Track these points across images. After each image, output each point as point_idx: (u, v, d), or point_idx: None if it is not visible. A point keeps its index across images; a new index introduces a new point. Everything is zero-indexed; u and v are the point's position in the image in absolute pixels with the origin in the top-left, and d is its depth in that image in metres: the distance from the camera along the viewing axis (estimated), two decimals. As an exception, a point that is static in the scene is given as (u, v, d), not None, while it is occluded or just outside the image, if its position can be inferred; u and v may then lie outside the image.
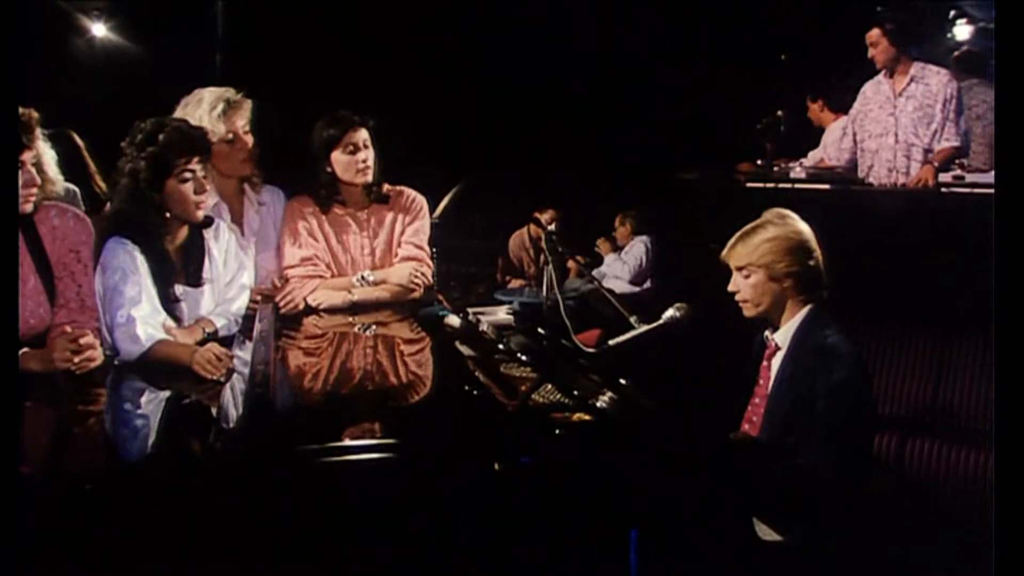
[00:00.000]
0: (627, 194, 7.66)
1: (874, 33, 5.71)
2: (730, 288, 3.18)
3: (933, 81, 5.65)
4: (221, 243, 3.51)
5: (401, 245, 4.01)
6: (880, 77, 5.85)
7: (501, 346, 3.21)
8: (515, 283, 7.66)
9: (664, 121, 7.13)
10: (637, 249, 7.59)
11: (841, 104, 6.38)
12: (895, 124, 5.72)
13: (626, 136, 7.34)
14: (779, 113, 5.99)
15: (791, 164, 6.02)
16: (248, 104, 3.76)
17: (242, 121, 3.73)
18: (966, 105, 5.94)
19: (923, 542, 3.89)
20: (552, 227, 4.14)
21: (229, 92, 3.73)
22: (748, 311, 3.18)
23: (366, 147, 3.90)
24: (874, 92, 5.86)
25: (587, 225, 7.99)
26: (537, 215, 7.79)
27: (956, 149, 5.58)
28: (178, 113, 3.62)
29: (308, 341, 3.56)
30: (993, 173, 3.65)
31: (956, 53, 6.68)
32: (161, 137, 3.22)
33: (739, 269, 3.16)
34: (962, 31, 7.23)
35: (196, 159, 3.27)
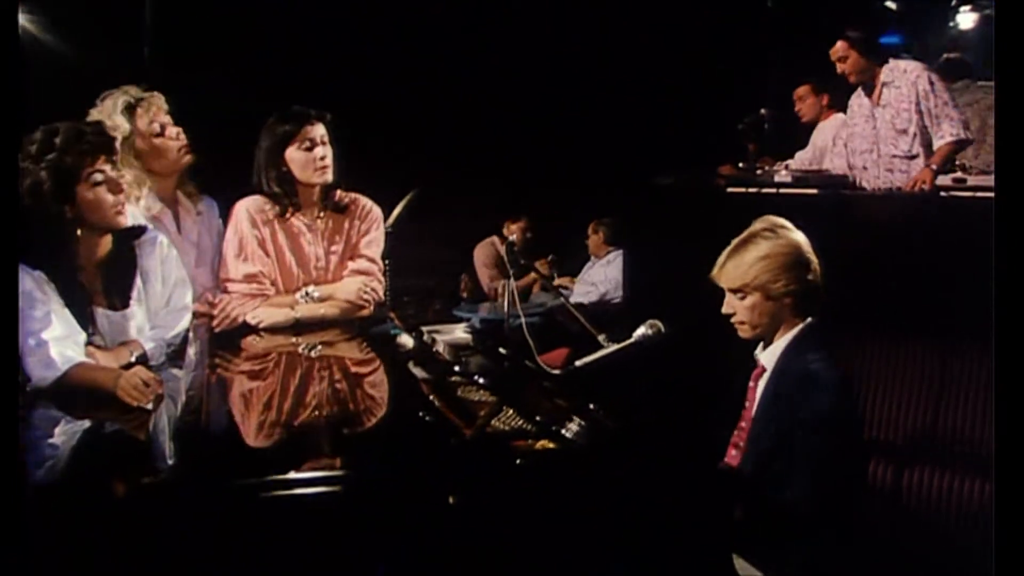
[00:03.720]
0: (600, 201, 7.68)
1: (839, 47, 5.73)
2: (724, 310, 3.19)
3: (902, 81, 5.67)
4: (156, 257, 3.42)
5: (354, 257, 4.03)
6: (861, 89, 5.90)
7: (458, 368, 3.22)
8: (485, 305, 7.69)
9: (639, 122, 7.21)
10: (617, 263, 7.60)
11: (841, 101, 6.43)
12: (876, 138, 5.78)
13: (598, 138, 7.38)
14: (763, 111, 6.02)
15: (776, 167, 6.07)
16: (159, 98, 3.75)
17: (161, 114, 3.73)
18: (973, 100, 6.00)
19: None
20: (515, 237, 4.14)
21: (131, 88, 3.72)
22: (745, 333, 3.19)
23: (324, 143, 3.91)
24: (858, 105, 5.93)
25: (556, 235, 8.06)
26: (504, 224, 7.87)
27: (955, 144, 5.56)
28: (92, 117, 3.59)
29: (247, 363, 3.55)
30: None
31: (941, 59, 6.78)
32: (57, 141, 3.12)
33: (732, 291, 3.16)
34: (965, 19, 7.32)
35: (102, 159, 3.18)
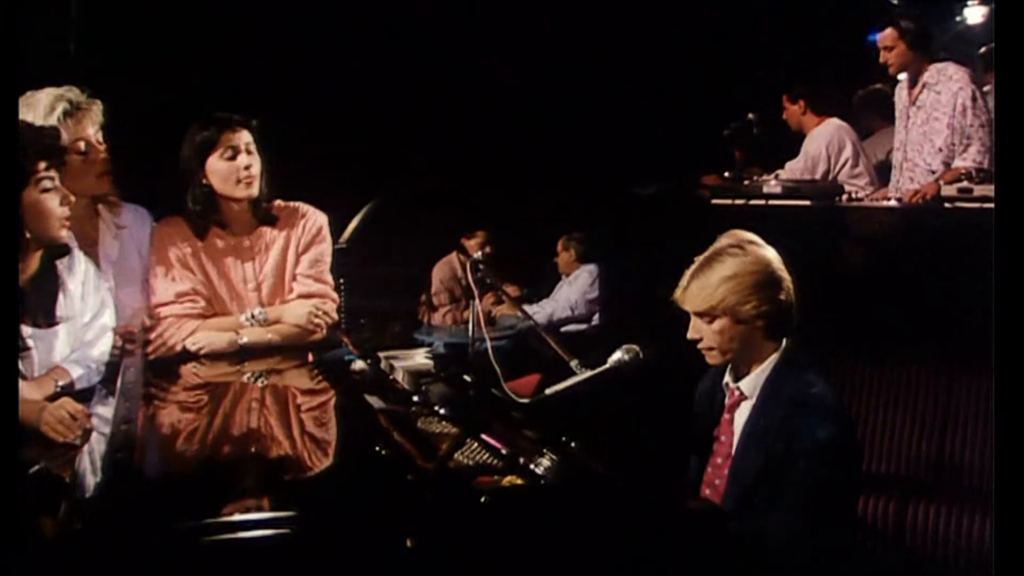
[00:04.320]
0: (571, 214, 7.70)
1: (888, 35, 5.80)
2: (690, 335, 3.20)
3: (945, 89, 5.73)
4: (77, 275, 3.41)
5: (297, 277, 3.99)
6: (903, 82, 5.96)
7: (418, 397, 3.22)
8: (448, 328, 7.69)
9: (614, 126, 7.19)
10: (583, 279, 7.63)
11: (826, 105, 6.50)
12: (905, 139, 5.86)
13: (569, 144, 7.37)
14: (751, 116, 6.06)
15: (765, 176, 6.10)
16: (98, 107, 3.67)
17: (92, 128, 3.65)
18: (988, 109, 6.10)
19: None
20: (480, 254, 4.14)
21: (72, 92, 3.63)
22: (714, 359, 3.20)
23: (249, 152, 3.86)
24: (897, 99, 5.99)
25: (523, 251, 8.05)
26: (464, 240, 7.87)
27: (976, 171, 5.59)
28: (22, 114, 3.48)
29: (185, 394, 3.54)
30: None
31: (983, 49, 6.80)
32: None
33: (698, 314, 3.16)
34: (973, 14, 7.37)
35: (51, 164, 3.17)
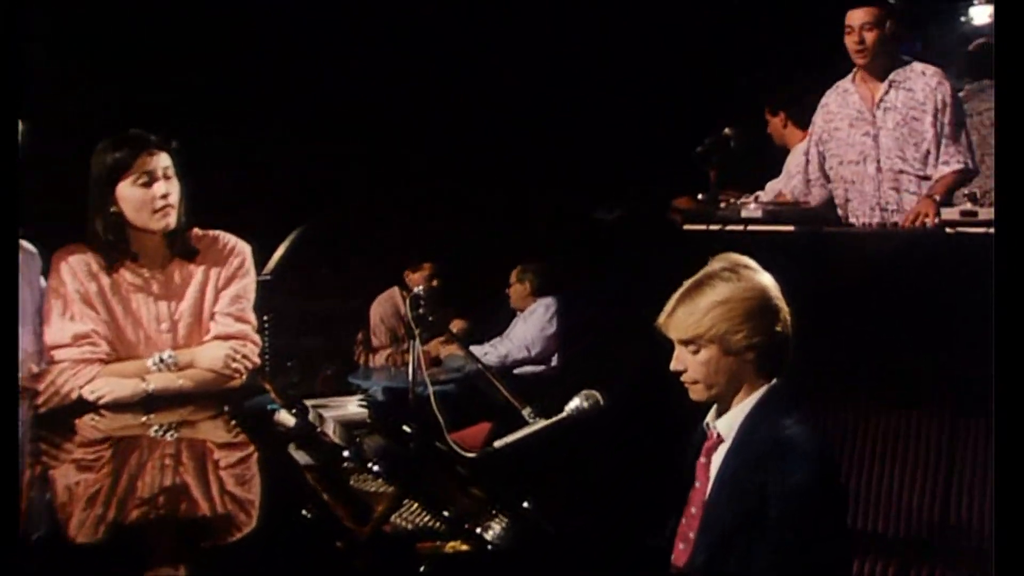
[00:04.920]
0: (527, 242, 7.73)
1: (863, 15, 5.78)
2: (673, 366, 3.21)
3: (918, 85, 5.77)
4: None
5: (215, 316, 3.98)
6: (846, 83, 5.98)
7: (350, 451, 3.19)
8: (386, 371, 7.67)
9: (575, 145, 7.23)
10: (539, 314, 7.63)
11: (811, 117, 6.47)
12: (875, 147, 5.85)
13: (525, 165, 7.40)
14: (727, 131, 6.06)
15: (744, 199, 6.08)
16: None
17: None
18: (973, 112, 6.09)
19: None
20: (421, 288, 4.13)
21: None
22: (698, 395, 3.22)
23: (167, 178, 3.85)
24: (841, 104, 6.00)
25: (471, 284, 8.04)
26: (408, 273, 7.86)
27: (960, 173, 5.67)
28: None
29: (83, 451, 3.49)
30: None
31: (971, 45, 6.86)
32: None
33: (684, 343, 3.18)
34: (981, 13, 7.44)
35: None
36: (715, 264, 3.23)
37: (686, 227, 5.86)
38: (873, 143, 5.85)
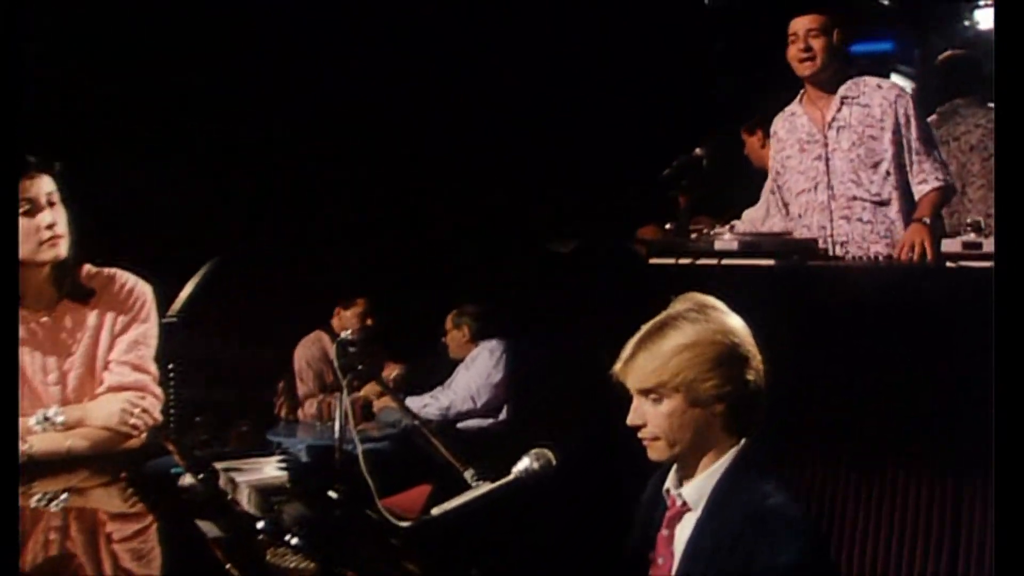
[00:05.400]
0: (467, 278, 7.80)
1: (808, 22, 5.84)
2: (631, 421, 3.21)
3: (874, 100, 5.85)
4: None
5: (110, 365, 3.98)
6: (794, 106, 6.07)
7: (266, 522, 3.16)
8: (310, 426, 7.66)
9: (526, 167, 7.37)
10: (482, 360, 7.65)
11: None
12: (825, 172, 5.92)
13: (469, 190, 7.43)
14: (698, 151, 6.07)
15: (718, 229, 6.04)
16: None
17: None
18: (948, 137, 6.15)
19: None
20: (349, 332, 4.11)
21: None
22: (658, 454, 3.20)
23: (51, 204, 3.85)
24: (789, 130, 6.09)
25: (410, 324, 8.12)
26: (339, 310, 7.84)
27: (942, 190, 5.75)
28: None
29: (-49, 523, 3.46)
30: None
31: (937, 60, 7.02)
32: None
33: (644, 392, 3.17)
34: (986, 16, 7.52)
35: None
36: (679, 305, 3.25)
37: (652, 261, 5.84)
38: (824, 168, 5.93)
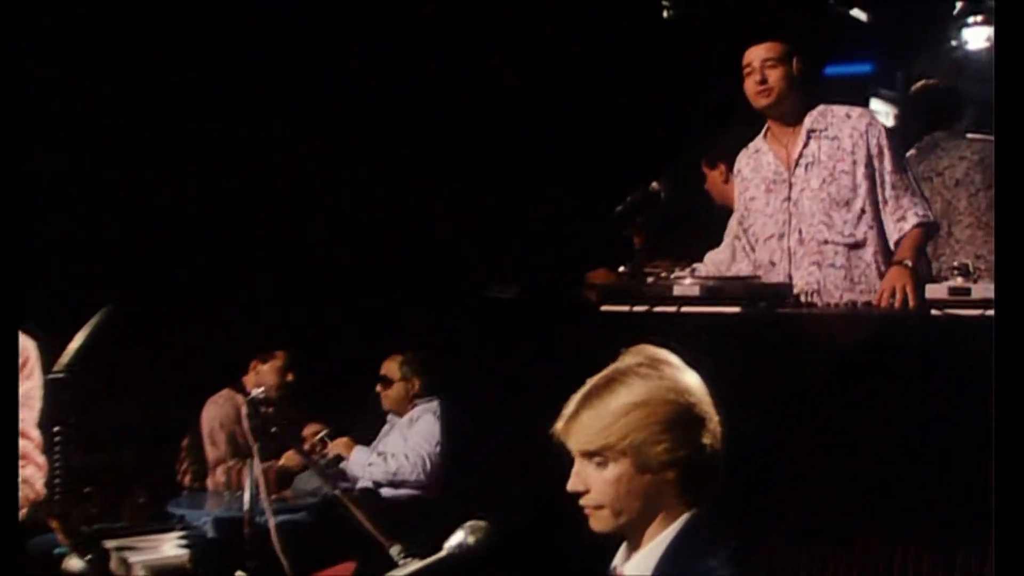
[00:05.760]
0: (403, 327, 7.77)
1: (771, 49, 5.87)
2: (571, 487, 3.19)
3: (844, 131, 5.88)
4: None
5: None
6: (758, 142, 6.09)
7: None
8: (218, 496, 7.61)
9: (464, 203, 7.42)
10: (426, 424, 7.64)
11: None
12: (795, 213, 5.92)
13: (402, 228, 7.62)
14: (654, 185, 6.05)
15: (678, 272, 5.99)
16: None
17: None
18: (931, 173, 6.16)
19: None
20: (262, 390, 4.07)
21: None
22: (601, 523, 3.19)
23: None
24: (754, 168, 6.10)
25: (331, 380, 8.11)
26: (256, 364, 7.76)
27: (924, 228, 5.76)
28: None
29: None
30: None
31: (912, 88, 7.08)
32: None
33: (588, 455, 3.14)
34: (975, 35, 7.56)
35: None
36: (629, 358, 3.22)
37: (603, 308, 5.85)
38: (791, 209, 5.95)
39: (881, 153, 5.81)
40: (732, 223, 6.61)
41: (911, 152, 6.56)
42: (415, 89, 8.11)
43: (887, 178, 5.79)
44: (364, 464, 7.47)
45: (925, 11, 7.32)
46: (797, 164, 5.92)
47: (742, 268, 6.15)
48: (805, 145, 5.90)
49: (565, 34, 8.06)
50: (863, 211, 5.80)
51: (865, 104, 6.52)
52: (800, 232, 5.91)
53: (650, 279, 5.91)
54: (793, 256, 5.91)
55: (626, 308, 5.76)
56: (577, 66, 7.71)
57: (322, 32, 8.21)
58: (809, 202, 5.88)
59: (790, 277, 5.87)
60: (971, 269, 5.43)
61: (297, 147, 8.10)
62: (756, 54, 5.88)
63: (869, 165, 5.81)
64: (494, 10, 8.12)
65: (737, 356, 5.19)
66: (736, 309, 5.61)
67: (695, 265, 6.38)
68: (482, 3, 8.24)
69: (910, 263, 5.56)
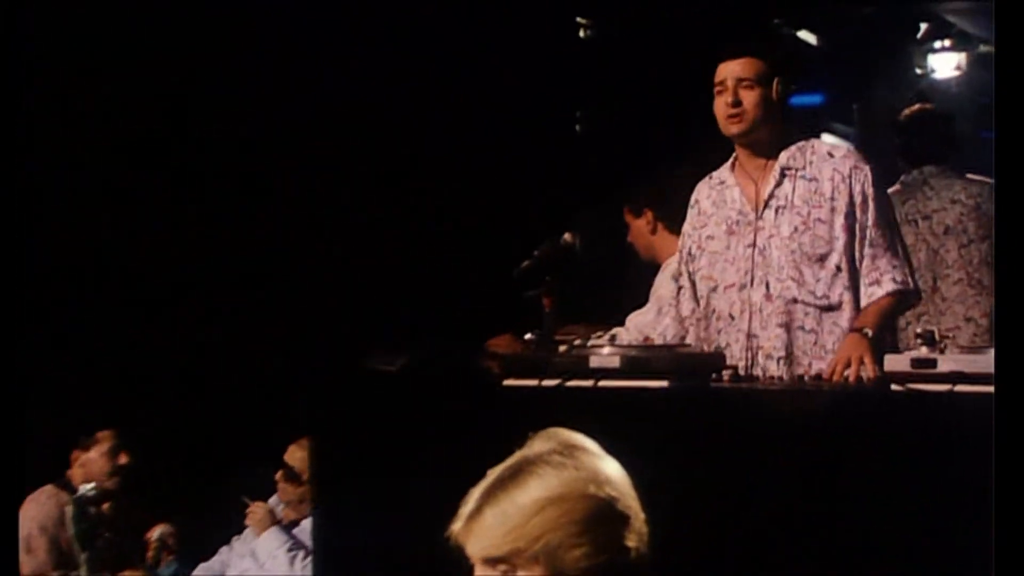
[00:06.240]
0: (274, 408, 7.68)
1: (748, 67, 5.81)
2: None
3: (824, 172, 5.81)
4: None
5: None
6: (723, 172, 6.01)
7: None
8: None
9: (340, 258, 7.47)
10: (290, 542, 7.46)
11: (678, 219, 6.57)
12: (759, 264, 5.84)
13: (268, 289, 7.71)
14: (567, 237, 6.00)
15: (595, 339, 6.05)
16: None
17: None
18: (916, 216, 6.11)
19: None
20: (92, 486, 3.93)
21: None
22: None
23: None
24: (716, 203, 6.02)
25: (178, 464, 8.07)
26: (78, 453, 7.56)
27: (898, 296, 5.72)
28: None
29: None
30: (992, 352, 3.96)
31: (902, 114, 7.14)
32: None
33: (492, 562, 3.03)
34: (943, 62, 7.58)
35: None
36: (539, 444, 3.08)
37: (506, 382, 5.82)
38: (758, 259, 5.86)
39: (865, 203, 5.77)
40: (663, 276, 6.68)
41: (895, 187, 6.57)
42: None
43: (868, 233, 5.76)
44: (272, 552, 7.29)
45: (884, 34, 7.34)
46: (766, 205, 5.86)
47: (683, 309, 6.12)
48: (778, 184, 5.84)
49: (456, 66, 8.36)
50: (839, 269, 5.77)
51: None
52: (767, 286, 5.85)
53: (562, 348, 5.87)
54: (757, 312, 5.86)
55: (534, 383, 5.69)
56: (472, 92, 7.93)
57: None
58: (778, 252, 5.82)
59: (752, 336, 5.84)
60: (937, 337, 5.39)
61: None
62: (730, 71, 5.82)
63: (850, 215, 5.76)
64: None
65: (665, 440, 5.17)
66: (663, 384, 5.52)
67: (615, 331, 6.42)
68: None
69: (870, 332, 5.57)
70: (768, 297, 5.83)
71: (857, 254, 5.77)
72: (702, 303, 6.00)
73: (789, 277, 5.78)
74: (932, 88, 7.50)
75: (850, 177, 5.76)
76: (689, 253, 6.07)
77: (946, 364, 5.22)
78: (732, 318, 5.90)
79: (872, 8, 7.23)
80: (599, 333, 6.18)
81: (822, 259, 5.75)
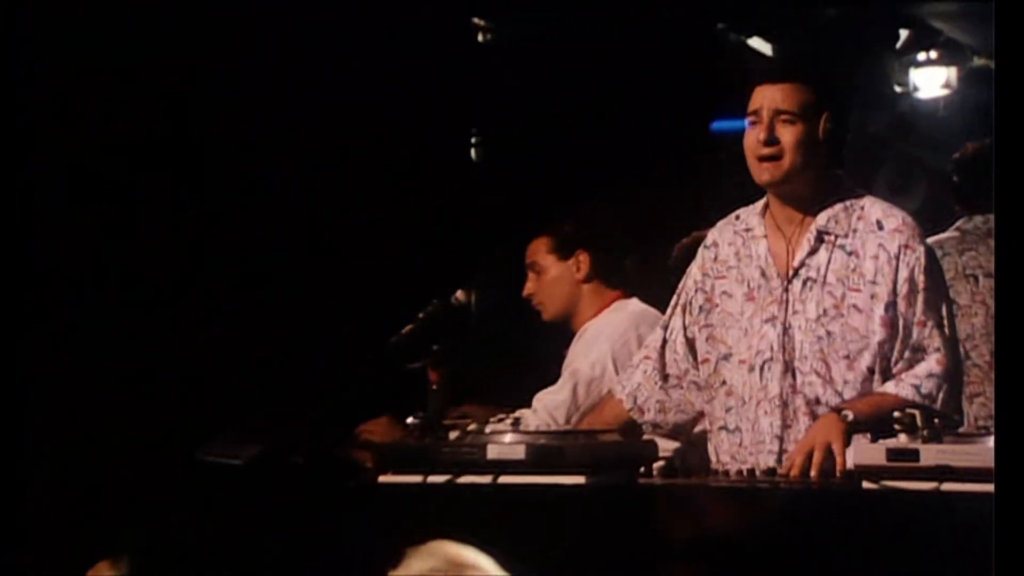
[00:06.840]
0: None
1: (791, 95, 5.63)
2: None
3: (868, 246, 5.63)
4: None
5: None
6: (752, 216, 5.81)
7: None
8: None
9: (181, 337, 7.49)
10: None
11: (618, 269, 6.60)
12: (783, 347, 5.66)
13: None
14: (459, 295, 5.90)
15: (494, 423, 5.88)
16: None
17: None
18: (979, 269, 6.32)
19: None
20: None
21: None
22: None
23: None
24: (740, 255, 5.89)
25: None
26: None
27: (908, 403, 5.42)
28: None
29: None
30: (992, 440, 4.16)
31: (963, 150, 7.20)
32: None
33: None
34: (928, 78, 7.43)
35: None
36: (418, 563, 3.14)
37: (382, 478, 5.66)
38: (783, 337, 5.69)
39: (912, 294, 5.57)
40: (576, 346, 6.64)
41: (949, 234, 6.42)
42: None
43: (912, 332, 5.56)
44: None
45: (854, 44, 7.19)
46: (796, 274, 5.65)
47: (671, 367, 6.00)
48: (812, 251, 5.63)
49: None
50: (871, 372, 5.59)
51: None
52: (793, 375, 5.67)
53: (453, 434, 5.71)
54: (779, 408, 5.67)
55: (417, 479, 5.54)
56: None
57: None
58: (801, 336, 5.66)
59: (776, 436, 5.67)
60: (918, 423, 5.19)
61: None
62: (767, 98, 5.62)
63: (891, 307, 5.58)
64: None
65: (579, 549, 5.04)
66: (580, 479, 5.37)
67: (520, 413, 6.23)
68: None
69: (850, 415, 5.40)
70: (794, 389, 5.64)
71: (895, 354, 5.56)
72: (705, 369, 5.85)
73: (814, 371, 5.61)
74: (913, 108, 7.36)
75: (897, 259, 5.55)
76: (694, 303, 5.91)
77: (928, 456, 5.04)
78: (744, 401, 5.72)
79: (836, 9, 7.09)
80: (499, 416, 6.03)
81: (852, 360, 5.58)
